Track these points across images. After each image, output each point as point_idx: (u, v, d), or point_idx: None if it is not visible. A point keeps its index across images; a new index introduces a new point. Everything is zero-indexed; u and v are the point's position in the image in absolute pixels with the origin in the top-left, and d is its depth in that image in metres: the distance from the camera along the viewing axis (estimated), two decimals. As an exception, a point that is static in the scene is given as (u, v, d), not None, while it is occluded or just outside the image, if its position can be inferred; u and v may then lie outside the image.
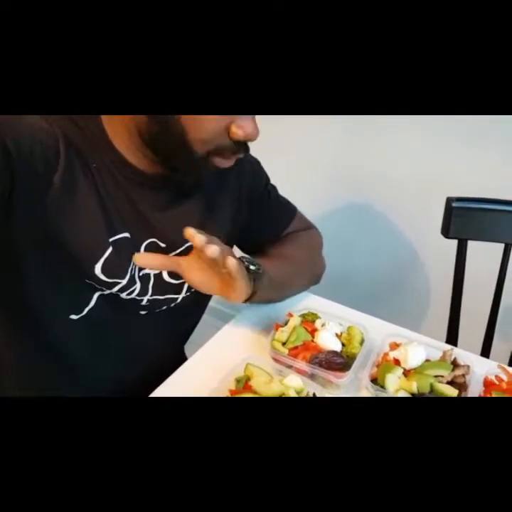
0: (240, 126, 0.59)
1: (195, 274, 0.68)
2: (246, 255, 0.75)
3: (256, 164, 0.85)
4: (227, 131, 0.60)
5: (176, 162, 0.63)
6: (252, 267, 0.71)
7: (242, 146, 0.62)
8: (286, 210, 0.89)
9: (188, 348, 0.92)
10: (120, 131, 0.62)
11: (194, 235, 0.61)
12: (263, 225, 0.86)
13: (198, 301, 0.83)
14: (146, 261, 0.66)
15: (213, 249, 0.60)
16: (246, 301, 0.73)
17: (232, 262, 0.62)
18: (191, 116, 0.58)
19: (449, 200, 0.89)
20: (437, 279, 1.41)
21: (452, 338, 1.03)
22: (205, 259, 0.64)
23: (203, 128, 0.58)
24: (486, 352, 1.04)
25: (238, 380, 0.65)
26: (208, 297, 0.86)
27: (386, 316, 0.85)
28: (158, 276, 0.71)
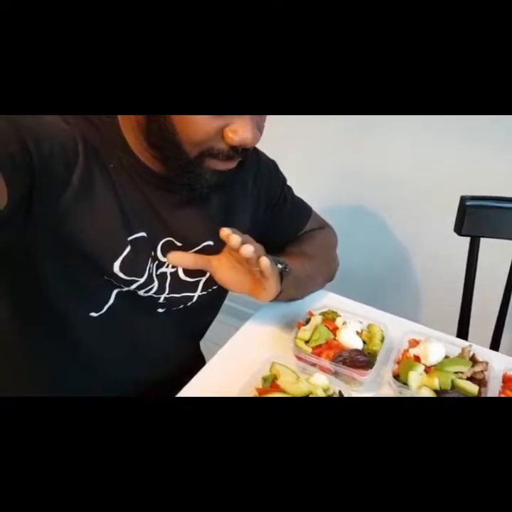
0: (234, 130, 0.58)
1: (226, 274, 0.69)
2: (270, 255, 0.76)
3: (273, 165, 0.86)
4: (221, 134, 0.59)
5: (171, 162, 0.63)
6: (279, 266, 0.72)
7: (239, 150, 0.61)
8: (303, 210, 0.91)
9: (206, 347, 0.94)
10: (131, 131, 0.63)
11: (229, 235, 0.61)
12: (281, 225, 0.87)
13: (213, 301, 0.84)
14: (179, 260, 0.67)
15: (248, 249, 0.61)
16: (272, 299, 0.74)
17: (265, 261, 0.63)
18: (182, 117, 0.57)
19: (463, 199, 0.90)
20: (441, 275, 1.43)
21: (463, 335, 1.05)
22: (238, 258, 0.65)
23: (193, 130, 0.58)
24: (495, 348, 1.06)
25: (265, 379, 0.66)
26: (223, 297, 0.87)
27: (391, 313, 0.87)
28: (175, 275, 0.72)
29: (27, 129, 0.54)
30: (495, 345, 1.05)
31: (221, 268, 0.69)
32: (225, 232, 0.62)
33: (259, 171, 0.81)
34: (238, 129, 0.58)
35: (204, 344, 0.94)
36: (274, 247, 0.88)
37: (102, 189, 0.62)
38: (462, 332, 1.05)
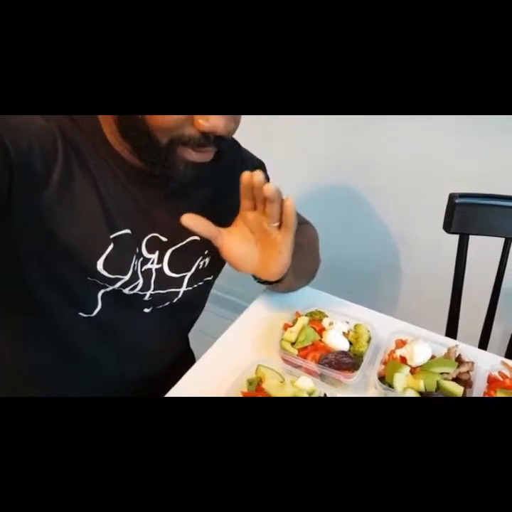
0: (205, 116, 0.57)
1: (237, 247, 0.69)
2: None
3: (259, 164, 0.86)
4: (192, 120, 0.58)
5: (144, 152, 0.62)
6: None
7: (212, 139, 0.60)
8: None
9: (198, 337, 0.94)
10: (108, 125, 0.62)
11: (253, 174, 0.60)
12: None
13: (198, 298, 0.84)
14: (193, 222, 0.65)
15: (273, 188, 0.59)
16: (274, 283, 0.74)
17: (289, 203, 0.62)
18: None
19: (452, 197, 0.90)
20: (432, 269, 1.42)
21: (452, 331, 1.05)
22: (252, 223, 0.65)
23: (162, 116, 0.57)
24: (484, 342, 1.06)
25: (250, 382, 0.66)
26: (207, 293, 0.86)
27: (381, 307, 0.87)
28: (160, 271, 0.72)
29: (3, 125, 0.53)
30: (484, 339, 1.06)
31: (231, 241, 0.68)
32: (246, 173, 0.61)
33: (244, 169, 0.81)
34: (209, 116, 0.57)
35: (196, 335, 0.95)
36: None
37: (84, 186, 0.61)
38: (451, 327, 1.06)
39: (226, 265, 0.78)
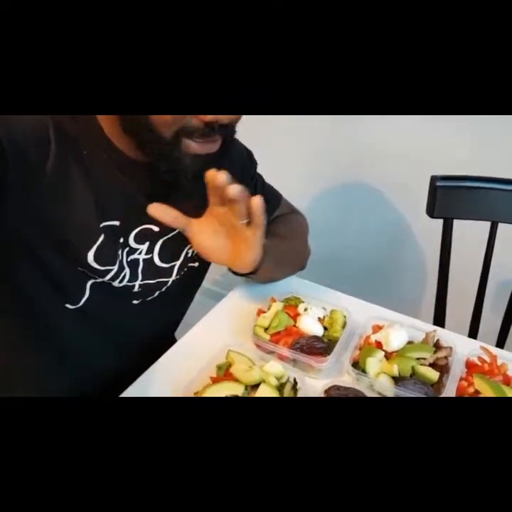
0: None
1: (207, 238, 0.67)
2: None
3: (248, 152, 0.86)
4: None
5: (147, 147, 0.61)
6: None
7: (216, 128, 0.59)
8: (273, 196, 0.90)
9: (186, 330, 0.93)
10: (105, 118, 0.62)
11: (216, 174, 0.58)
12: None
13: (188, 288, 0.83)
14: (160, 213, 0.63)
15: (237, 189, 0.58)
16: (249, 274, 0.73)
17: (257, 200, 0.60)
18: None
19: (433, 179, 0.87)
20: (425, 259, 1.42)
21: (440, 318, 1.03)
22: (221, 218, 0.64)
23: None
24: (474, 331, 1.05)
25: (219, 367, 0.65)
26: (197, 285, 0.86)
27: (374, 297, 0.85)
28: (149, 261, 0.71)
29: None
30: (474, 327, 1.04)
31: (202, 232, 0.67)
32: (211, 172, 0.59)
33: (235, 158, 0.80)
34: None
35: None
36: None
37: (76, 176, 0.61)
38: (439, 316, 1.04)
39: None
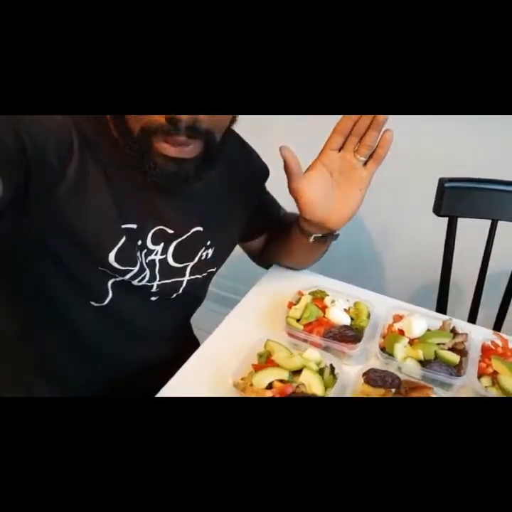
0: None
1: (312, 190, 0.72)
2: None
3: (255, 153, 0.88)
4: None
5: (121, 142, 0.62)
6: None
7: (180, 127, 0.57)
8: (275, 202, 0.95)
9: (196, 335, 0.97)
10: (111, 120, 0.63)
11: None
12: (268, 205, 0.92)
13: (202, 289, 0.87)
14: (290, 155, 0.72)
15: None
16: (324, 237, 0.81)
17: (390, 133, 0.68)
18: None
19: (442, 181, 0.95)
20: (422, 255, 1.46)
21: (441, 310, 1.10)
22: (334, 163, 0.71)
23: None
24: (471, 321, 1.12)
25: (260, 355, 0.69)
26: (207, 284, 0.88)
27: (373, 289, 0.91)
28: (164, 261, 0.74)
29: (21, 121, 0.54)
30: (471, 320, 1.11)
31: (312, 184, 0.72)
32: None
33: (247, 158, 0.84)
34: None
35: (195, 332, 0.98)
36: (262, 230, 0.92)
37: (96, 180, 0.62)
38: (441, 308, 1.10)
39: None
